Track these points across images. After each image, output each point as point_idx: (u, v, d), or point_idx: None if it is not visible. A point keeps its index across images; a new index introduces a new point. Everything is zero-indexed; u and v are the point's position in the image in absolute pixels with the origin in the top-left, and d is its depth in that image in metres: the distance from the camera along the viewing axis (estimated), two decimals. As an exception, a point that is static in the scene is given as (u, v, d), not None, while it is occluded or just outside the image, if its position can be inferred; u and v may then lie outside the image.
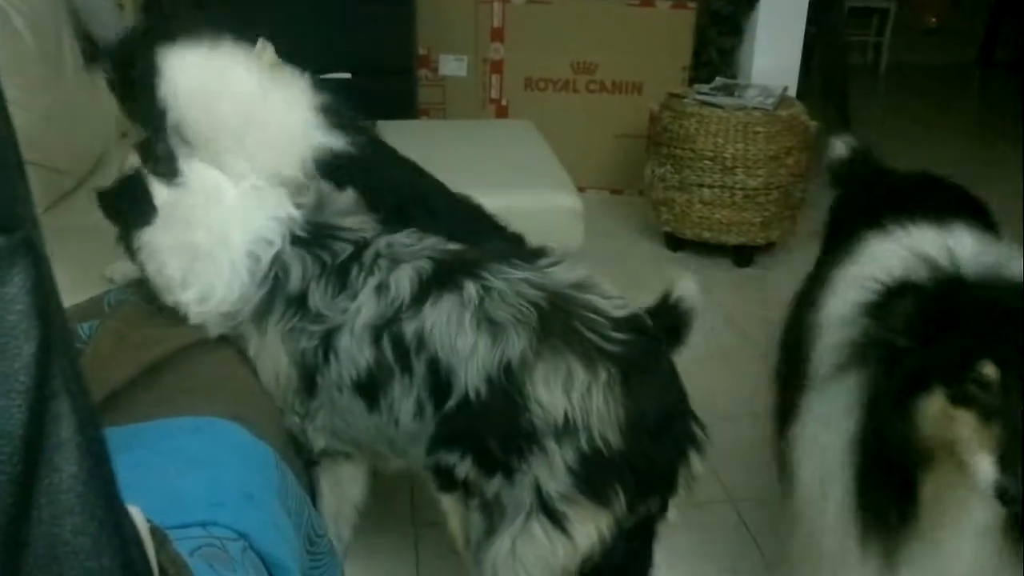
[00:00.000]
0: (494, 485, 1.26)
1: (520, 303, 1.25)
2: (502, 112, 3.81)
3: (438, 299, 1.29)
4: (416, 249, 1.37)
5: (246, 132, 1.54)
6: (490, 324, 1.25)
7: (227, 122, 1.54)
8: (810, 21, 3.43)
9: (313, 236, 1.39)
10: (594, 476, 1.21)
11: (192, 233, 1.38)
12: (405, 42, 3.16)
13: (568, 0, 3.71)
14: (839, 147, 2.11)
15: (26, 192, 0.47)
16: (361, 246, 1.37)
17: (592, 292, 1.30)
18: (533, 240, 2.31)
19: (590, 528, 1.23)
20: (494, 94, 3.80)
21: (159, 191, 1.41)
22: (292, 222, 1.40)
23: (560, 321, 1.24)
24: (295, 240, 1.38)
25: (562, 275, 1.31)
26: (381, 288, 1.32)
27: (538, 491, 1.22)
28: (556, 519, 1.22)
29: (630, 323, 1.28)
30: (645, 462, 1.23)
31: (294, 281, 1.36)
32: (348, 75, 3.12)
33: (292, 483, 1.29)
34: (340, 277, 1.35)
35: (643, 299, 2.92)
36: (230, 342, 1.42)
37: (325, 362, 1.34)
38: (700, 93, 3.21)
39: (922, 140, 4.76)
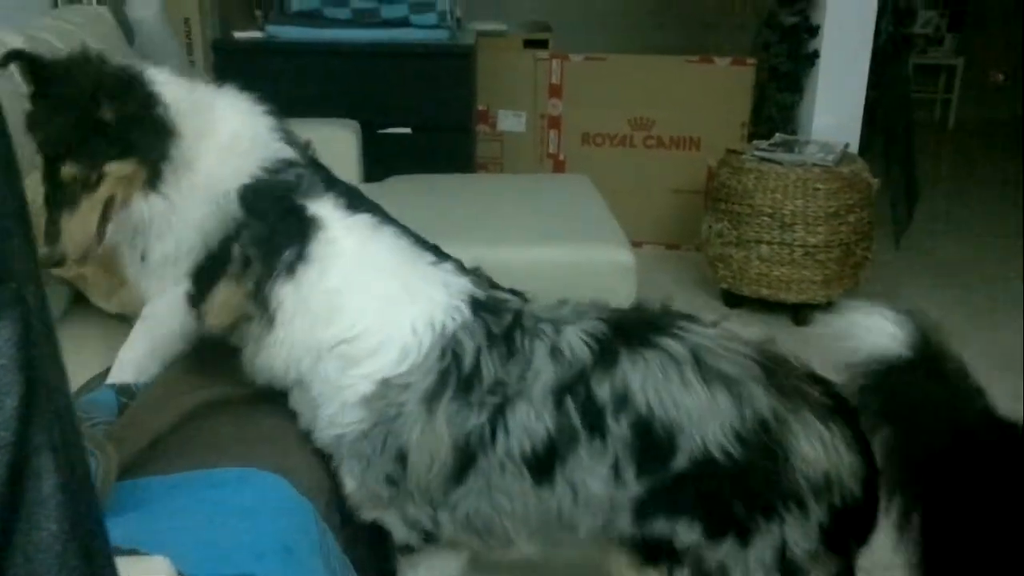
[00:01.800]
0: (721, 551, 1.20)
1: (739, 359, 1.21)
2: (560, 167, 3.83)
3: (635, 357, 1.22)
4: (568, 312, 1.32)
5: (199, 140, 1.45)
6: (723, 379, 1.19)
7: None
8: (874, 78, 3.39)
9: (488, 303, 1.32)
10: (840, 530, 1.19)
11: (375, 283, 1.29)
12: (464, 99, 3.20)
13: (625, 57, 3.74)
14: (879, 333, 1.23)
15: (24, 248, 0.47)
16: (519, 312, 1.31)
17: (777, 347, 1.29)
18: (589, 293, 2.31)
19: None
20: (552, 149, 3.83)
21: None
22: (472, 288, 1.34)
23: (783, 376, 1.21)
24: (475, 308, 1.30)
25: (746, 333, 1.30)
26: (555, 352, 1.25)
27: (782, 551, 1.19)
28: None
29: (813, 376, 1.28)
30: (876, 510, 1.23)
31: (468, 355, 1.26)
32: (408, 131, 3.18)
33: (332, 542, 1.28)
34: (507, 345, 1.27)
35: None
36: (274, 395, 1.41)
37: (492, 439, 1.24)
38: (759, 149, 3.19)
39: (990, 199, 4.64)
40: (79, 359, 1.63)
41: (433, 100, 3.13)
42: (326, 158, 2.74)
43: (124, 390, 1.38)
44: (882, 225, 3.58)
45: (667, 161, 3.79)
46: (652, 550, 1.24)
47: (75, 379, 1.53)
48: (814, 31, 3.36)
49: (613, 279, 2.29)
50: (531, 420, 1.23)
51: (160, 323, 1.52)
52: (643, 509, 1.22)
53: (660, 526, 1.22)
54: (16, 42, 1.84)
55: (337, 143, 2.78)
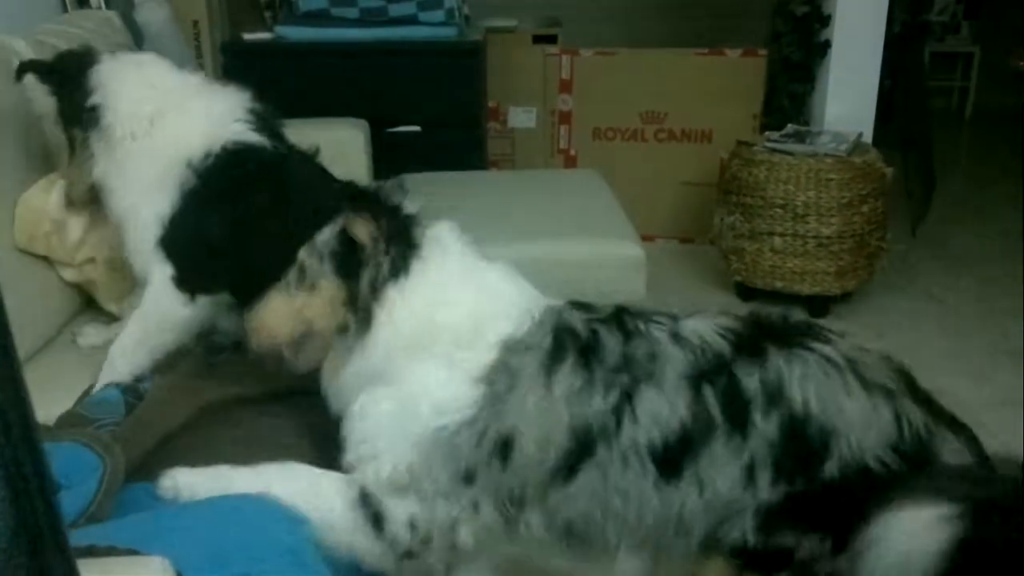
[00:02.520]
0: (838, 562, 1.12)
1: (886, 371, 1.17)
2: (571, 162, 3.82)
3: (786, 356, 1.13)
4: (677, 313, 1.25)
5: (160, 116, 1.58)
6: (883, 390, 1.14)
7: (142, 108, 1.58)
8: (889, 66, 3.36)
9: (573, 300, 1.27)
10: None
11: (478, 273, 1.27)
12: (474, 96, 3.20)
13: (635, 51, 3.72)
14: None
15: None
16: (618, 308, 1.25)
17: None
18: (593, 290, 2.30)
19: None
20: (563, 144, 3.82)
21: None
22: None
23: (920, 391, 1.19)
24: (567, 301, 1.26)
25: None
26: (678, 339, 1.16)
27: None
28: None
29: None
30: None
31: (582, 328, 1.18)
32: (418, 128, 3.18)
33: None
34: (621, 327, 1.19)
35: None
36: (280, 398, 1.41)
37: (618, 427, 1.13)
38: (770, 140, 3.16)
39: (1008, 187, 4.59)
40: (92, 361, 1.65)
41: (442, 97, 3.13)
42: (335, 158, 2.75)
43: (130, 389, 1.39)
44: (897, 215, 3.55)
45: (679, 154, 3.77)
46: (765, 560, 1.15)
47: (85, 384, 1.55)
48: (825, 20, 3.33)
49: (623, 273, 2.28)
50: (663, 408, 1.12)
51: (148, 311, 1.56)
52: (773, 516, 1.13)
53: (786, 536, 1.13)
54: (24, 48, 1.86)
55: (346, 142, 2.78)
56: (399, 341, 1.19)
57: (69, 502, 1.08)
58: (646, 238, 3.78)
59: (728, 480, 1.12)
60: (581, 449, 1.14)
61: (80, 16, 2.45)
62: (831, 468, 1.11)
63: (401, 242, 1.22)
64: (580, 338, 1.17)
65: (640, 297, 2.32)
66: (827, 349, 1.15)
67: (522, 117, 3.80)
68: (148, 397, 1.37)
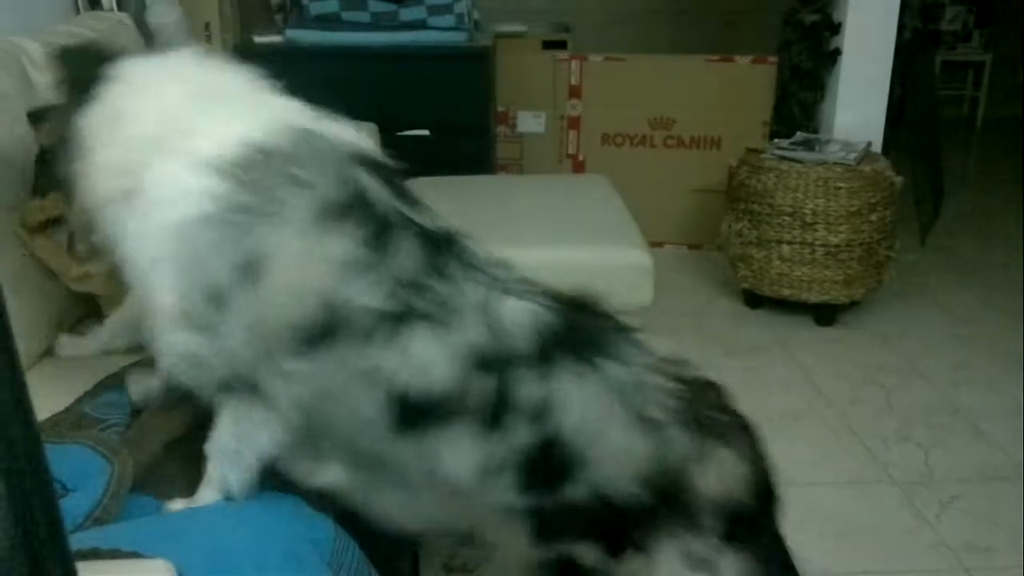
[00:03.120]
0: (627, 564, 1.18)
1: (665, 398, 1.15)
2: (579, 167, 3.83)
3: (573, 373, 1.09)
4: (512, 279, 1.16)
5: None
6: (648, 423, 1.12)
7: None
8: (899, 75, 3.35)
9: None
10: (739, 531, 1.18)
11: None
12: (482, 100, 3.21)
13: (645, 57, 3.73)
14: None
15: None
16: (450, 233, 1.18)
17: (687, 368, 1.23)
18: (606, 294, 2.30)
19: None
20: (571, 150, 3.82)
21: None
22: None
23: (695, 408, 1.17)
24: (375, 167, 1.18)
25: (666, 353, 1.24)
26: (485, 309, 1.09)
27: (688, 555, 1.18)
28: (703, 567, 1.19)
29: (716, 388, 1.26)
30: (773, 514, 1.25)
31: (384, 206, 1.10)
32: (427, 132, 3.18)
33: (352, 552, 1.27)
34: (434, 254, 1.11)
35: (719, 357, 2.85)
36: None
37: (383, 342, 1.04)
38: (779, 148, 3.16)
39: (1018, 196, 4.57)
40: (104, 365, 1.65)
41: (451, 102, 3.14)
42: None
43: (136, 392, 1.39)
44: (907, 224, 3.54)
45: (687, 161, 3.77)
46: (565, 569, 1.19)
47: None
48: (836, 28, 3.33)
49: (631, 280, 2.28)
50: (435, 362, 1.05)
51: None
52: (544, 530, 1.16)
53: (561, 546, 1.17)
54: (35, 49, 1.87)
55: (355, 146, 2.79)
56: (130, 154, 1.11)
57: (75, 504, 1.08)
58: (654, 244, 3.77)
59: (461, 467, 1.09)
60: (329, 330, 1.04)
61: (92, 18, 2.46)
62: (573, 492, 1.10)
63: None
64: (377, 218, 1.08)
65: (648, 304, 2.32)
66: (616, 370, 1.12)
67: (531, 122, 3.81)
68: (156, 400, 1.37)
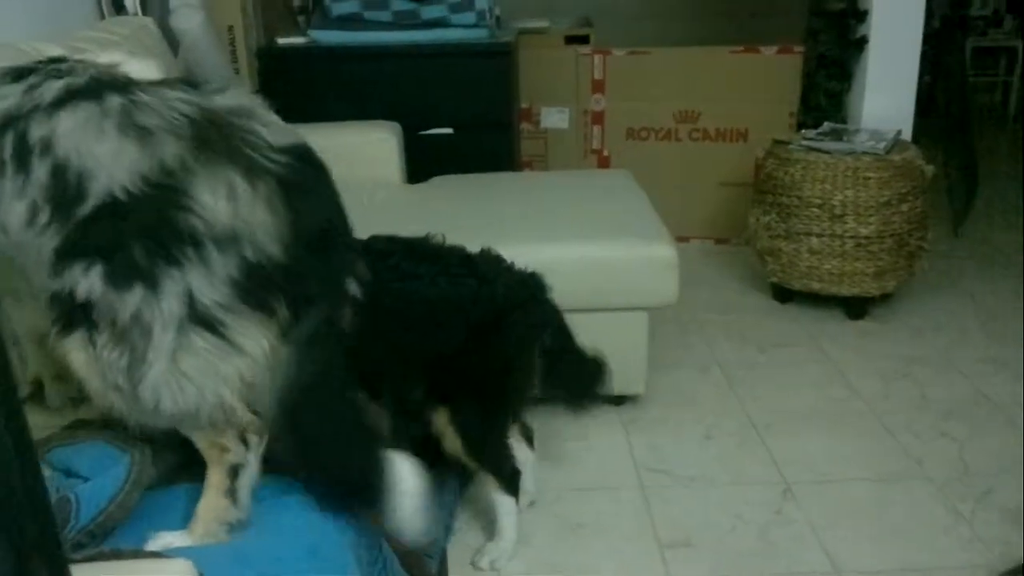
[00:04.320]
0: (132, 301, 1.16)
1: (172, 115, 1.23)
2: (604, 162, 3.80)
3: (76, 107, 1.22)
4: (96, 70, 1.30)
5: None
6: (138, 130, 1.21)
7: None
8: (929, 62, 3.29)
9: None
10: (255, 287, 1.19)
11: None
12: (505, 97, 3.20)
13: (669, 50, 3.69)
14: None
15: None
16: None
17: (256, 119, 1.28)
18: (626, 292, 2.29)
19: (256, 337, 1.20)
20: (596, 145, 3.80)
21: None
22: None
23: (218, 135, 1.23)
24: None
25: (223, 100, 1.29)
26: (32, 88, 1.24)
27: (191, 301, 1.16)
28: (215, 328, 1.18)
29: (294, 149, 1.28)
30: (305, 275, 1.24)
31: None
32: (450, 131, 3.18)
33: (370, 536, 1.28)
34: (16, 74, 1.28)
35: (749, 353, 2.82)
36: None
37: None
38: (806, 139, 3.12)
39: (1055, 183, 4.48)
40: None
41: (474, 99, 3.14)
42: (368, 160, 2.77)
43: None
44: (939, 214, 3.48)
45: (714, 154, 3.73)
46: (66, 310, 1.19)
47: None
48: (862, 16, 3.28)
49: (655, 274, 2.27)
50: None
51: None
52: (57, 258, 1.19)
53: (68, 278, 1.18)
54: (55, 54, 1.88)
55: (378, 145, 2.80)
56: None
57: (97, 489, 1.09)
58: (680, 239, 3.76)
59: (19, 218, 1.19)
60: None
61: (116, 22, 2.48)
62: (89, 205, 1.17)
63: None
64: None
65: (673, 299, 2.30)
66: (114, 99, 1.22)
67: (555, 118, 3.79)
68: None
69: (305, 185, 1.26)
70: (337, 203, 1.34)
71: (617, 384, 2.42)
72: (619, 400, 2.47)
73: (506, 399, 1.86)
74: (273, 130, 1.27)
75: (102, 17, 2.67)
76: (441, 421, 1.77)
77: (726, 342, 2.91)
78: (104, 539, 1.08)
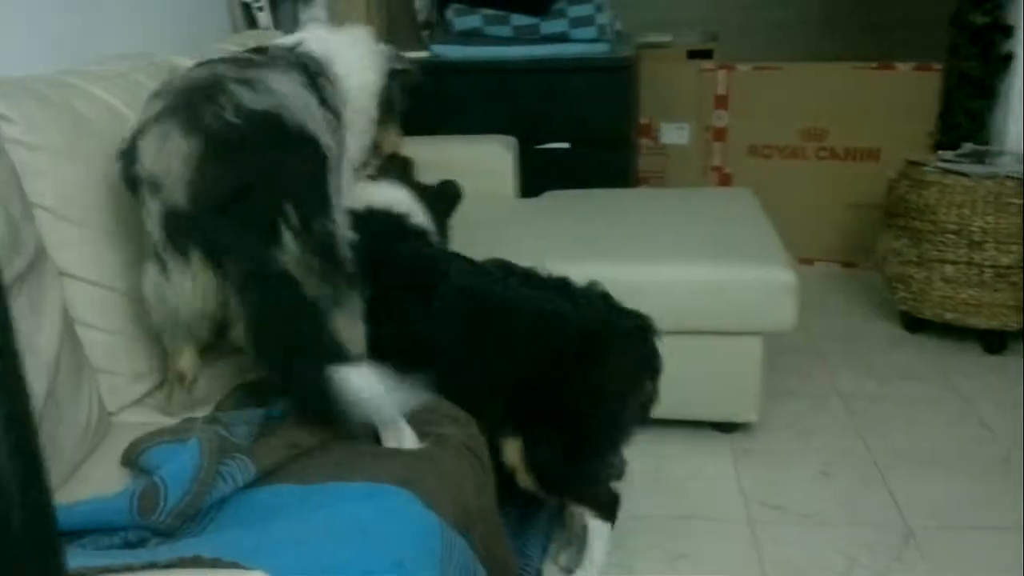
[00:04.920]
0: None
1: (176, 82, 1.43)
2: (725, 180, 3.70)
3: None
4: None
5: None
6: (152, 97, 1.40)
7: None
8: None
9: None
10: (173, 232, 1.34)
11: None
12: (624, 112, 3.15)
13: (797, 65, 3.56)
14: None
15: None
16: None
17: (253, 84, 1.41)
18: (740, 316, 2.19)
19: (186, 277, 1.36)
20: (717, 162, 3.70)
21: None
22: None
23: (198, 97, 1.37)
24: None
25: (240, 70, 1.45)
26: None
27: (149, 237, 1.38)
28: (163, 264, 1.37)
29: (258, 115, 1.39)
30: (216, 228, 1.34)
31: None
32: (567, 145, 3.16)
33: (460, 553, 1.25)
34: None
35: (873, 385, 2.66)
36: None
37: None
38: (944, 160, 2.94)
39: None
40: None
41: (592, 114, 3.10)
42: (482, 173, 2.77)
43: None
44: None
45: (842, 174, 3.57)
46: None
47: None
48: (1008, 31, 3.07)
49: (772, 299, 2.17)
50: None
51: None
52: None
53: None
54: (188, 66, 1.96)
55: (492, 159, 2.80)
56: None
57: (178, 471, 1.12)
58: (805, 261, 3.62)
59: None
60: None
61: (248, 37, 2.57)
62: None
63: None
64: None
65: (791, 325, 2.20)
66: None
67: (675, 134, 3.71)
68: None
69: (241, 146, 1.36)
70: (274, 169, 1.39)
71: (727, 410, 2.34)
72: (729, 427, 2.38)
73: (594, 439, 1.67)
74: (263, 95, 1.41)
75: (235, 31, 2.78)
76: (512, 453, 1.62)
77: (848, 372, 2.76)
78: (193, 519, 1.11)
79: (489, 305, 1.66)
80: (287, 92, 1.46)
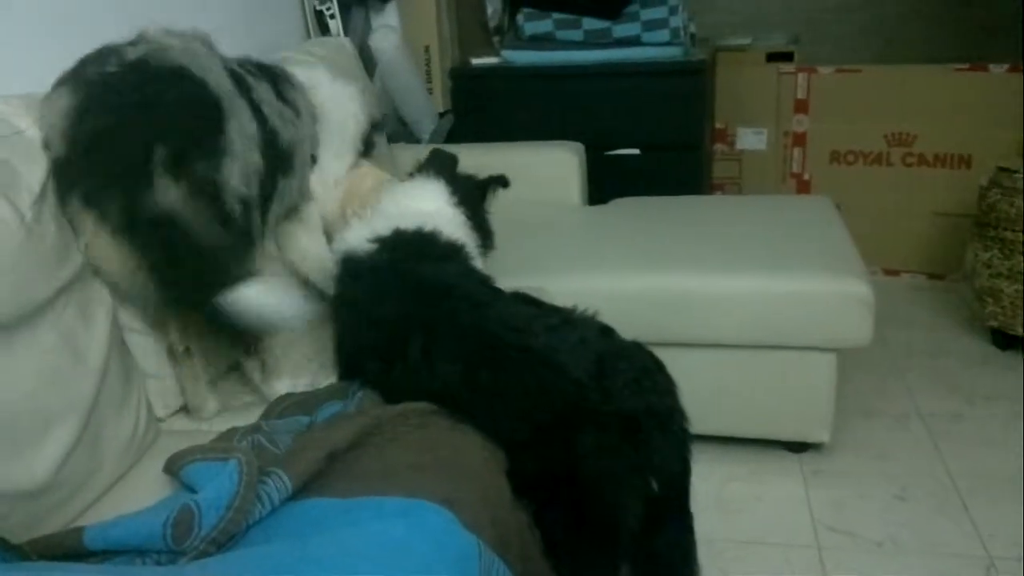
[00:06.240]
0: None
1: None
2: (804, 187, 3.57)
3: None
4: None
5: None
6: None
7: None
8: None
9: None
10: (57, 180, 1.36)
11: None
12: (697, 117, 3.07)
13: (882, 68, 3.41)
14: None
15: None
16: None
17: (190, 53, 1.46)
18: (811, 330, 2.10)
19: (79, 224, 1.37)
20: (795, 168, 3.58)
21: None
22: None
23: (80, 62, 1.42)
24: None
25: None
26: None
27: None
28: (73, 229, 1.38)
29: (140, 65, 1.40)
30: (86, 172, 1.35)
31: None
32: (636, 151, 3.09)
33: (492, 559, 1.22)
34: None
35: (957, 404, 2.52)
36: (446, 416, 1.38)
37: None
38: (1039, 167, 2.77)
39: None
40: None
41: (664, 119, 3.04)
42: (549, 180, 2.73)
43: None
44: None
45: (930, 181, 3.40)
46: None
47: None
48: (1116, 29, 2.88)
49: (846, 313, 2.07)
50: None
51: None
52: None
53: None
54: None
55: (559, 165, 2.75)
56: None
57: (214, 496, 1.11)
58: (889, 272, 3.47)
59: None
60: None
61: (316, 43, 2.59)
62: None
63: None
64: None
65: (866, 341, 2.09)
66: None
67: (752, 139, 3.60)
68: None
69: (116, 89, 1.36)
70: (145, 108, 1.37)
71: (798, 429, 2.24)
72: (800, 447, 2.28)
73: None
74: (155, 50, 1.43)
75: (308, 37, 2.81)
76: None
77: (930, 390, 2.62)
78: (225, 545, 1.09)
79: (499, 353, 1.39)
80: (193, 52, 1.48)
